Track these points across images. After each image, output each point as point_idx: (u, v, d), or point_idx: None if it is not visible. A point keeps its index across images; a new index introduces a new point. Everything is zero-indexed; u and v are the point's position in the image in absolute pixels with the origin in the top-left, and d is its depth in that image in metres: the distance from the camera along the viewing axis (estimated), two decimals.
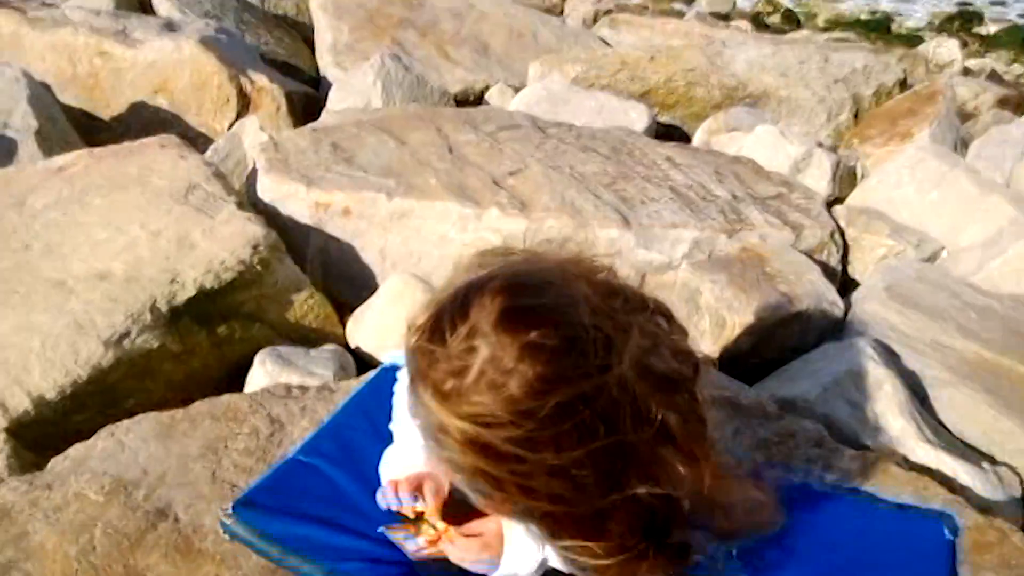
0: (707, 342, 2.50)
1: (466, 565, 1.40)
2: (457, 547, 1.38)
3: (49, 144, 3.34)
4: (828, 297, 2.60)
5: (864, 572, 1.57)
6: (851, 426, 2.10)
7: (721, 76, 4.35)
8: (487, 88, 4.57)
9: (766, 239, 2.88)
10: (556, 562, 1.36)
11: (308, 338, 2.57)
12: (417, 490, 1.40)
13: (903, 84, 4.46)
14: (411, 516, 1.43)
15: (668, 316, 1.26)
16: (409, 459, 1.45)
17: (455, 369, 1.03)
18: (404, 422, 1.51)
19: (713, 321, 2.52)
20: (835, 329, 2.57)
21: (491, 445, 1.03)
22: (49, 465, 1.77)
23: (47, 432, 1.97)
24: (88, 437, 1.84)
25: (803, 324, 2.55)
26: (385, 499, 1.42)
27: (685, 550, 1.28)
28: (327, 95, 4.23)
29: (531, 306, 1.06)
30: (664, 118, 4.45)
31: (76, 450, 1.80)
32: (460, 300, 1.07)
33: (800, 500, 1.68)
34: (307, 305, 2.60)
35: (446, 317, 1.07)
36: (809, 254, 2.90)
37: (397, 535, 1.43)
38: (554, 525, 1.13)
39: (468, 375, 1.02)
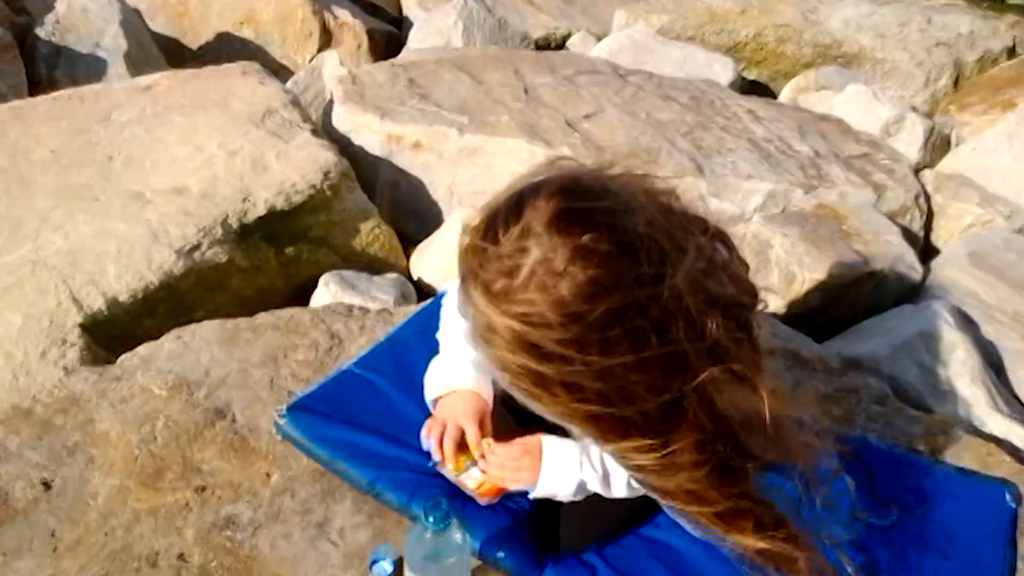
0: (775, 298, 2.44)
1: (506, 482, 1.41)
2: (496, 457, 1.38)
3: (137, 66, 3.44)
4: (906, 260, 2.49)
5: (921, 529, 1.52)
6: (918, 389, 2.02)
7: (815, 33, 4.17)
8: (569, 35, 4.48)
9: (845, 197, 2.78)
10: (595, 484, 1.36)
11: (372, 266, 2.60)
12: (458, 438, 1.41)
13: (1011, 52, 4.20)
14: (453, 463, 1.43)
15: (729, 244, 1.23)
16: (453, 374, 1.45)
17: (506, 269, 1.01)
18: (450, 332, 1.52)
19: (782, 276, 2.46)
20: (911, 294, 2.46)
21: (538, 345, 1.01)
22: (119, 360, 1.85)
23: (119, 333, 2.04)
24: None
25: (877, 285, 2.45)
26: (428, 442, 1.43)
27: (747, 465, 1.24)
28: (408, 35, 4.24)
29: (586, 209, 1.02)
30: (750, 75, 4.30)
31: (145, 348, 1.87)
32: (515, 201, 1.06)
33: (858, 453, 1.64)
34: (373, 234, 2.63)
35: (500, 217, 1.05)
36: (890, 217, 2.78)
37: (448, 472, 1.44)
38: (603, 426, 1.10)
39: (518, 275, 1.00)
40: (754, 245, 2.54)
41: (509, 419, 1.46)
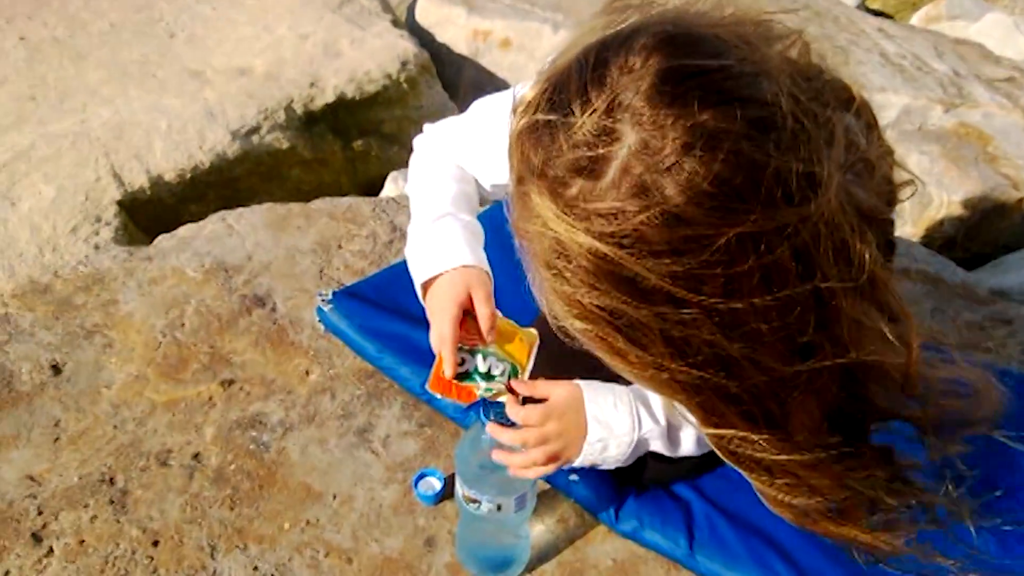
0: (905, 224, 2.10)
1: (530, 468, 1.01)
2: (515, 412, 1.00)
3: None
4: None
5: None
6: None
7: None
8: None
9: (991, 119, 2.39)
10: (657, 442, 1.05)
11: None
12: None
13: None
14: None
15: (874, 123, 0.89)
16: (440, 246, 1.07)
17: (584, 162, 0.67)
18: (430, 177, 1.16)
19: (916, 198, 2.09)
20: None
21: (634, 279, 0.68)
22: (155, 241, 1.63)
23: (163, 216, 1.83)
24: None
25: None
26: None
27: (888, 454, 0.91)
28: None
29: (703, 69, 0.67)
30: (874, 4, 3.90)
31: (185, 229, 1.64)
32: (593, 60, 0.69)
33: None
34: None
35: (572, 83, 0.69)
36: None
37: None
38: (712, 403, 0.77)
39: (605, 172, 0.67)
40: None
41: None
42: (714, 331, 0.70)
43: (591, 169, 0.67)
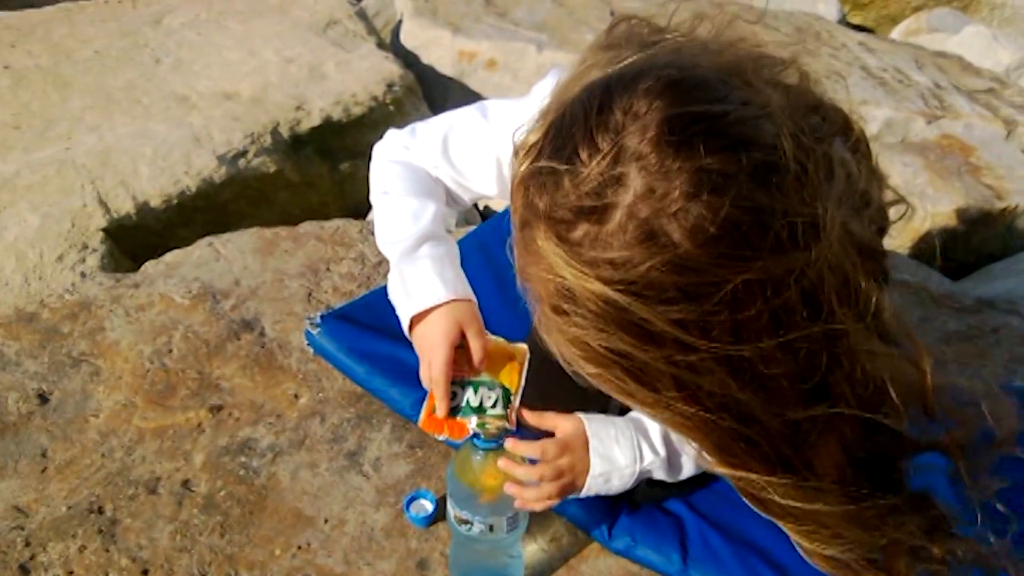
0: (890, 235, 2.11)
1: (543, 500, 1.03)
2: (532, 447, 1.02)
3: None
4: None
5: None
6: None
7: None
8: None
9: (972, 130, 2.42)
10: (659, 471, 1.05)
11: None
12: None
13: None
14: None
15: (867, 152, 0.88)
16: (424, 280, 1.05)
17: (590, 207, 0.67)
18: (408, 186, 1.12)
19: (900, 210, 2.11)
20: None
21: (642, 324, 0.68)
22: (142, 267, 1.62)
23: (150, 242, 1.82)
24: None
25: (1009, 224, 2.12)
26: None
27: (925, 500, 0.89)
28: None
29: (707, 115, 0.68)
30: (855, 19, 3.96)
31: (172, 255, 1.64)
32: (597, 103, 0.70)
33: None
34: None
35: (578, 129, 0.69)
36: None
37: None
38: (727, 444, 0.77)
39: (612, 216, 0.67)
40: None
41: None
42: (724, 375, 0.70)
43: (597, 214, 0.67)
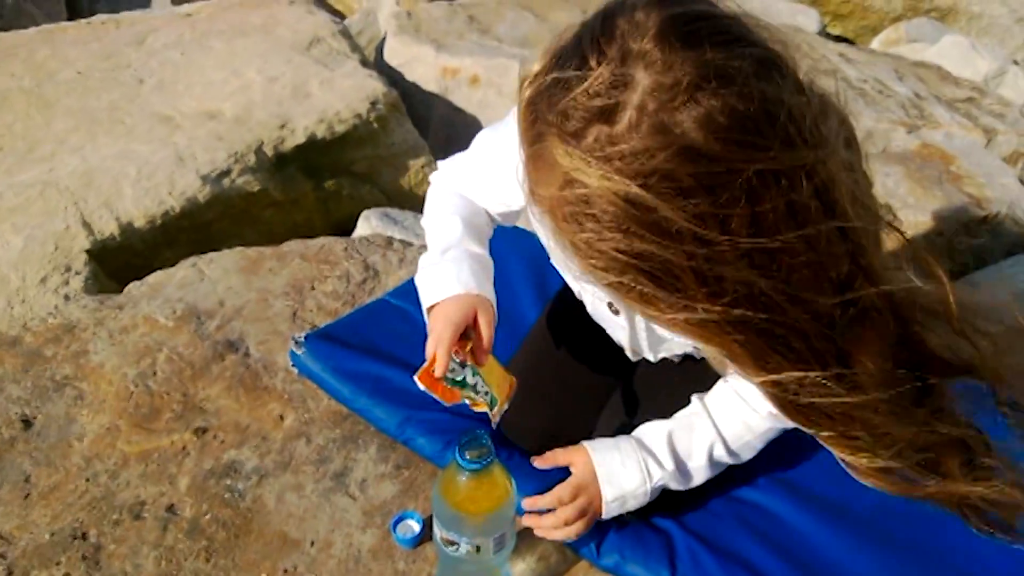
0: None
1: (569, 534, 1.09)
2: (546, 499, 1.08)
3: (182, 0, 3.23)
4: (1023, 204, 2.15)
5: None
6: None
7: None
8: None
9: (952, 139, 2.45)
10: (671, 483, 1.08)
11: (421, 208, 2.32)
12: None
13: None
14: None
15: (858, 149, 0.90)
16: (446, 275, 1.07)
17: (598, 110, 0.68)
18: (441, 214, 1.15)
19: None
20: None
21: (660, 222, 0.67)
22: (126, 289, 1.61)
23: (134, 263, 1.81)
24: None
25: (991, 232, 2.13)
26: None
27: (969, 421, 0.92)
28: None
29: (705, 14, 0.70)
30: (834, 30, 4.00)
31: (156, 276, 1.63)
32: (600, 21, 0.71)
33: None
34: (423, 173, 2.36)
35: (583, 42, 0.71)
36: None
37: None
38: (757, 346, 0.75)
39: (621, 115, 0.67)
40: None
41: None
42: (744, 268, 0.70)
43: (608, 116, 0.68)
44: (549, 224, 0.76)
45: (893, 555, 1.13)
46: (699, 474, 1.09)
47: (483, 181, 1.14)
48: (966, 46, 3.27)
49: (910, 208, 2.11)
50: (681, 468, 1.07)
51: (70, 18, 3.14)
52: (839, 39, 3.88)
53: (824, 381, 0.77)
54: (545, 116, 0.72)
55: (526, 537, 1.13)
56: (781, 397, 0.80)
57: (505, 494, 0.96)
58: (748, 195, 0.67)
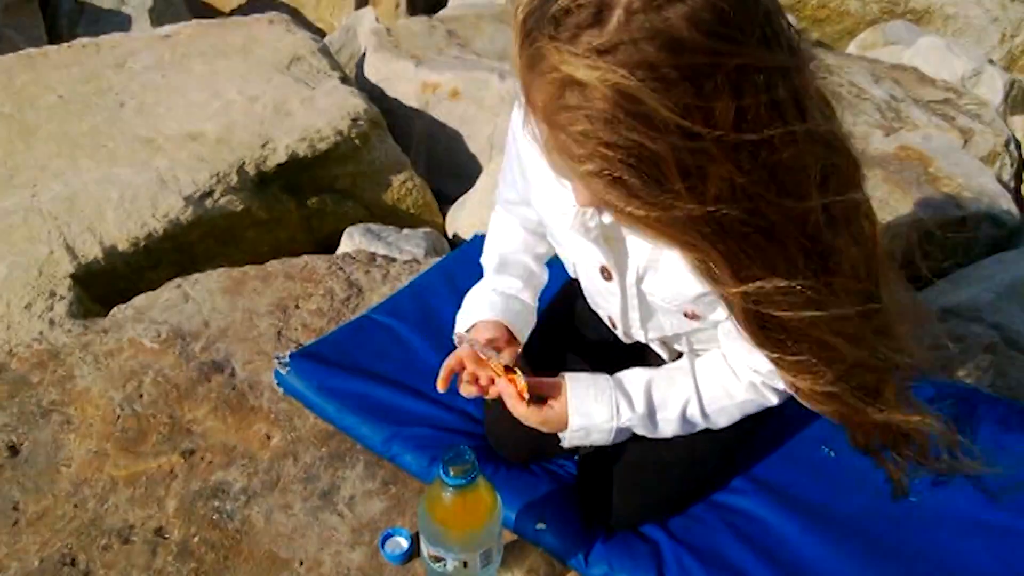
0: None
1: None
2: (519, 410, 1.06)
3: (162, 21, 3.24)
4: (1002, 204, 2.18)
5: None
6: None
7: None
8: None
9: (930, 140, 2.47)
10: (638, 426, 1.08)
11: (404, 223, 2.34)
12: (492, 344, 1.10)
13: None
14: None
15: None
16: (480, 303, 1.16)
17: (588, 17, 0.72)
18: (492, 256, 1.26)
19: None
20: (1008, 241, 2.17)
21: (647, 113, 0.71)
22: (111, 312, 1.62)
23: (118, 287, 1.81)
24: None
25: (970, 231, 2.15)
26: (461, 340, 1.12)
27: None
28: None
29: None
30: (812, 35, 4.03)
31: (141, 299, 1.64)
32: None
33: (968, 405, 1.34)
34: (406, 188, 2.38)
35: None
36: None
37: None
38: (735, 253, 0.80)
39: (610, 18, 0.72)
40: None
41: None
42: (726, 163, 0.74)
43: (598, 16, 0.72)
44: (544, 132, 0.80)
45: (878, 558, 1.15)
46: (668, 426, 1.09)
47: (515, 190, 1.19)
48: (942, 47, 3.29)
49: (889, 210, 2.13)
50: (652, 415, 1.08)
51: (50, 42, 3.14)
52: (817, 44, 3.92)
53: (796, 290, 0.82)
54: (540, 24, 0.76)
55: (515, 551, 1.15)
56: (750, 310, 0.85)
57: (490, 509, 0.97)
58: (731, 89, 0.71)
